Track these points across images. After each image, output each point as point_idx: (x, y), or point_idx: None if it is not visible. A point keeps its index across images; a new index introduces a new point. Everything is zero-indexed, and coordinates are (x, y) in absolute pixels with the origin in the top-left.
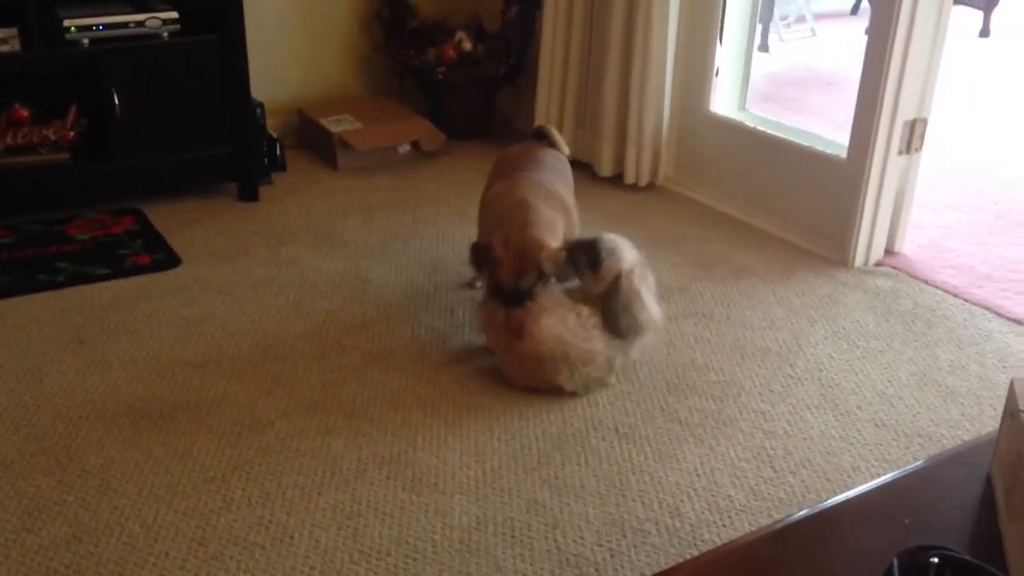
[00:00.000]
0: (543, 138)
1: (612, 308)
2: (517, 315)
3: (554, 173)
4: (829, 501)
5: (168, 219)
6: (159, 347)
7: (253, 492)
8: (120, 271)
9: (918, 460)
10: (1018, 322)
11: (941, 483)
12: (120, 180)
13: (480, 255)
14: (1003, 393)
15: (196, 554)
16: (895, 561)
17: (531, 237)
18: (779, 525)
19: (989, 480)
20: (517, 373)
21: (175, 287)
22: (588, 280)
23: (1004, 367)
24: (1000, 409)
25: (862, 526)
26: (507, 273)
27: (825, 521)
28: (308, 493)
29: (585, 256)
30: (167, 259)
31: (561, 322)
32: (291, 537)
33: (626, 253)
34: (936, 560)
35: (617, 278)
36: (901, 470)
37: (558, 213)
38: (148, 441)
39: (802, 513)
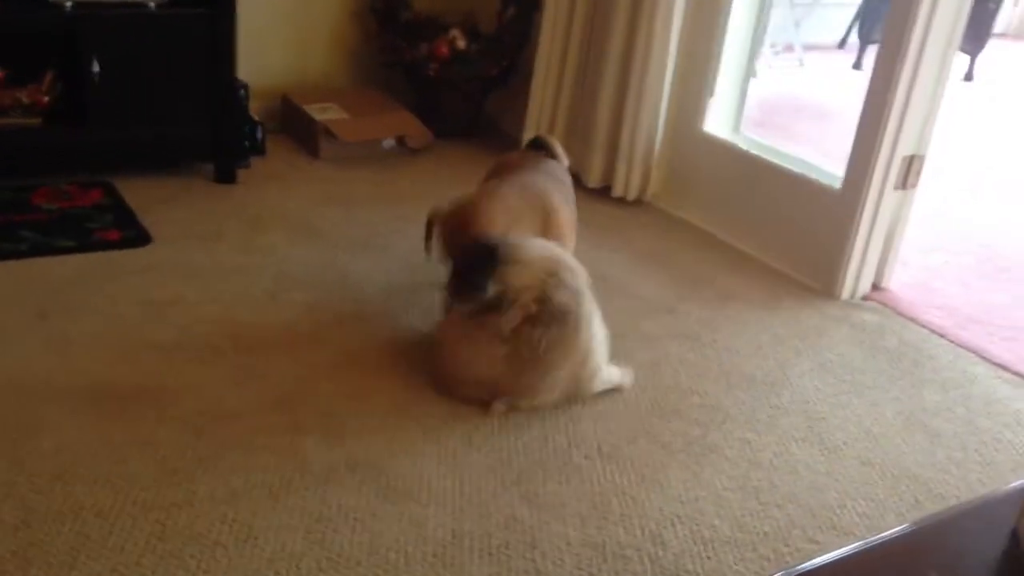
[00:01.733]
0: (540, 148)
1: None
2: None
3: (550, 178)
4: (849, 548)
5: (140, 195)
6: (124, 328)
7: (217, 488)
8: (86, 245)
9: (904, 501)
10: (1003, 367)
11: (964, 536)
12: (93, 151)
13: (427, 230)
14: (989, 439)
15: (154, 550)
16: None
17: (470, 209)
18: (802, 570)
19: (1015, 536)
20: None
21: (144, 266)
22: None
23: (989, 412)
24: (985, 455)
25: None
26: (442, 247)
27: (849, 570)
28: (275, 493)
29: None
30: (137, 236)
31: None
32: (256, 538)
33: (527, 269)
34: None
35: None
36: (921, 520)
37: (529, 208)
38: (107, 426)
39: (823, 559)
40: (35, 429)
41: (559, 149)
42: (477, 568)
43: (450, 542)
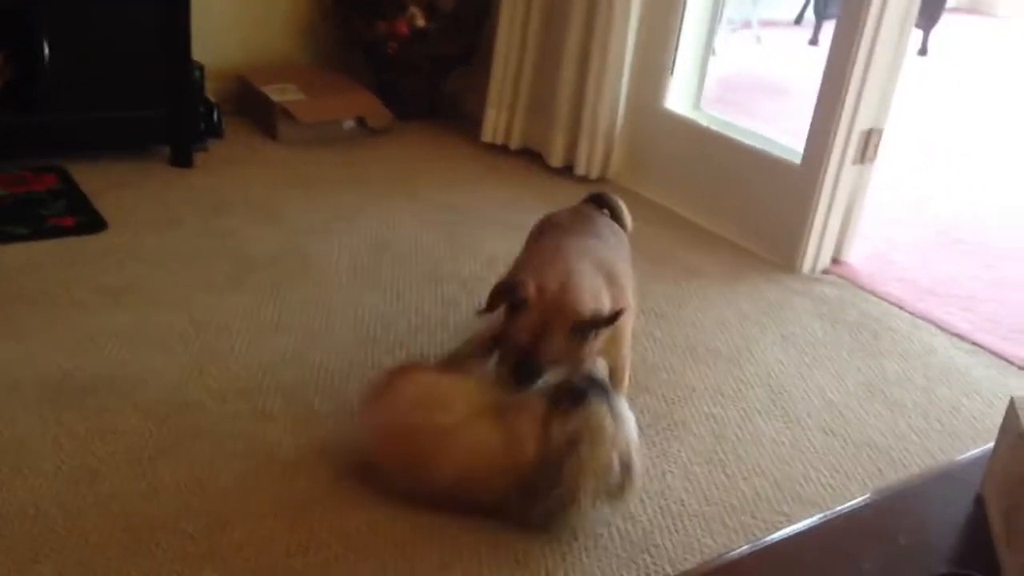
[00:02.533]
0: (601, 206)
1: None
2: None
3: (614, 252)
4: (823, 516)
5: (95, 180)
6: (81, 316)
7: (182, 477)
8: (40, 232)
9: (867, 471)
10: (961, 338)
11: (931, 501)
12: (45, 134)
13: (504, 293)
14: (948, 408)
15: (119, 541)
16: None
17: (572, 289)
18: (774, 539)
19: (980, 500)
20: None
21: (100, 253)
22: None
23: (948, 381)
24: (945, 423)
25: (859, 544)
26: (528, 324)
27: (822, 537)
28: (243, 481)
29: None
30: (92, 223)
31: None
32: (223, 526)
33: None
34: None
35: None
36: (887, 488)
37: (606, 287)
38: (68, 417)
39: (797, 528)
40: None
41: (626, 214)
42: (451, 547)
43: (426, 523)
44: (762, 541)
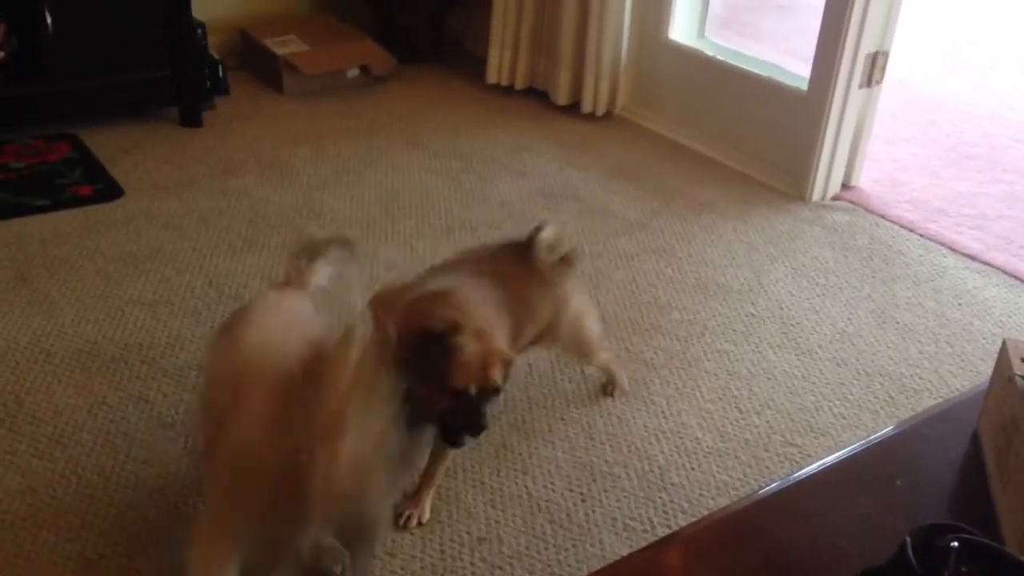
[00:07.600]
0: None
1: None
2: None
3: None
4: (822, 461)
5: (107, 146)
6: (106, 285)
7: None
8: (60, 202)
9: (878, 399)
10: (972, 258)
11: (929, 441)
12: (54, 103)
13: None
14: (959, 330)
15: (158, 504)
16: (908, 540)
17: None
18: (774, 489)
19: (976, 438)
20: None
21: (119, 220)
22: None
23: (959, 304)
24: (956, 347)
25: (856, 488)
26: (470, 371)
27: (820, 484)
28: None
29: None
30: (109, 189)
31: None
32: None
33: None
34: (955, 544)
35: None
36: (889, 428)
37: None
38: (100, 386)
39: (797, 475)
40: (29, 395)
41: (543, 245)
42: (471, 498)
43: (444, 475)
44: (760, 490)
